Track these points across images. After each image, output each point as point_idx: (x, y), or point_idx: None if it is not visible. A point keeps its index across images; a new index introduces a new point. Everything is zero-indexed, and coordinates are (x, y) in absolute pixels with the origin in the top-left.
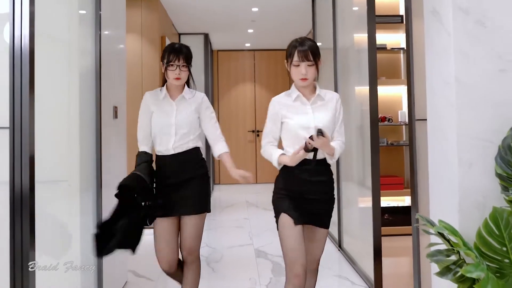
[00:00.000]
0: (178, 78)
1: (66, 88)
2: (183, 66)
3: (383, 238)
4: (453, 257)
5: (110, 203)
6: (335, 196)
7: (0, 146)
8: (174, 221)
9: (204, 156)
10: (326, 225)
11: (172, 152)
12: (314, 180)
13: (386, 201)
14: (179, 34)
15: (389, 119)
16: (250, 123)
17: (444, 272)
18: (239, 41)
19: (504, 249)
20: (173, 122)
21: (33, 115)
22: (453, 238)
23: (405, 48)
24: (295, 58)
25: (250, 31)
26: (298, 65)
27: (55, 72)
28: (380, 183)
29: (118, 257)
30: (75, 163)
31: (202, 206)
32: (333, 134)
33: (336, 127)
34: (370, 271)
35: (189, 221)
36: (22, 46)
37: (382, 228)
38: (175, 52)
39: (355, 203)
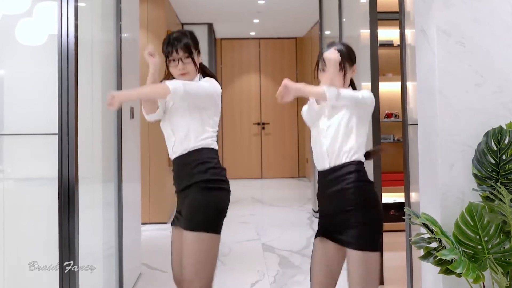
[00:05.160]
0: (184, 74)
1: (89, 89)
2: (186, 57)
3: (388, 234)
4: (434, 244)
5: (129, 196)
6: (365, 203)
7: (50, 149)
8: (180, 234)
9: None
10: (353, 245)
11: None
12: (328, 193)
13: (393, 197)
14: (182, 25)
15: (395, 115)
16: (255, 116)
17: (426, 256)
18: (243, 30)
19: (478, 237)
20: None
21: (77, 122)
22: (433, 228)
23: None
24: (320, 62)
25: (256, 21)
26: (324, 70)
27: (82, 72)
28: (386, 179)
29: (133, 251)
30: (98, 160)
31: (200, 222)
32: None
33: None
34: None
35: (184, 238)
36: (69, 42)
37: (388, 223)
38: (172, 44)
39: None
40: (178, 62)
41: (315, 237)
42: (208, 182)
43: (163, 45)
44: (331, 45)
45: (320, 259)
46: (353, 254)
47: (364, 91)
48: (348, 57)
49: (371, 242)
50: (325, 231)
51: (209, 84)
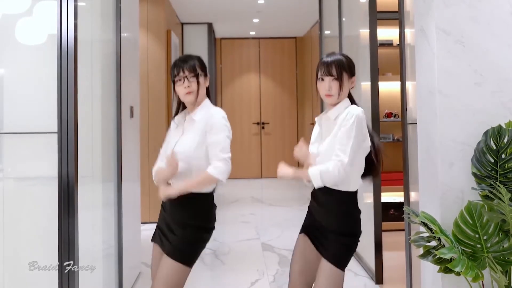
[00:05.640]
0: (189, 92)
1: (89, 88)
2: (192, 76)
3: (388, 233)
4: (434, 243)
5: (128, 196)
6: (348, 232)
7: (49, 148)
8: (160, 252)
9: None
10: (327, 256)
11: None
12: (319, 206)
13: (392, 197)
14: (182, 24)
15: (395, 115)
16: (255, 115)
17: (425, 255)
18: (243, 30)
19: (477, 236)
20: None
21: (77, 121)
22: (433, 227)
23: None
24: (319, 71)
25: (256, 20)
26: (323, 80)
27: (81, 72)
28: (386, 178)
29: (132, 250)
30: (97, 159)
31: (183, 254)
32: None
33: (337, 145)
34: (372, 263)
35: (163, 261)
36: (68, 41)
37: (388, 223)
38: (178, 64)
39: (360, 199)
40: (184, 81)
41: (300, 233)
42: (200, 228)
43: (171, 69)
44: (330, 55)
45: (301, 253)
46: (326, 265)
47: (348, 143)
48: (347, 68)
49: (343, 262)
50: (309, 231)
51: (229, 132)
